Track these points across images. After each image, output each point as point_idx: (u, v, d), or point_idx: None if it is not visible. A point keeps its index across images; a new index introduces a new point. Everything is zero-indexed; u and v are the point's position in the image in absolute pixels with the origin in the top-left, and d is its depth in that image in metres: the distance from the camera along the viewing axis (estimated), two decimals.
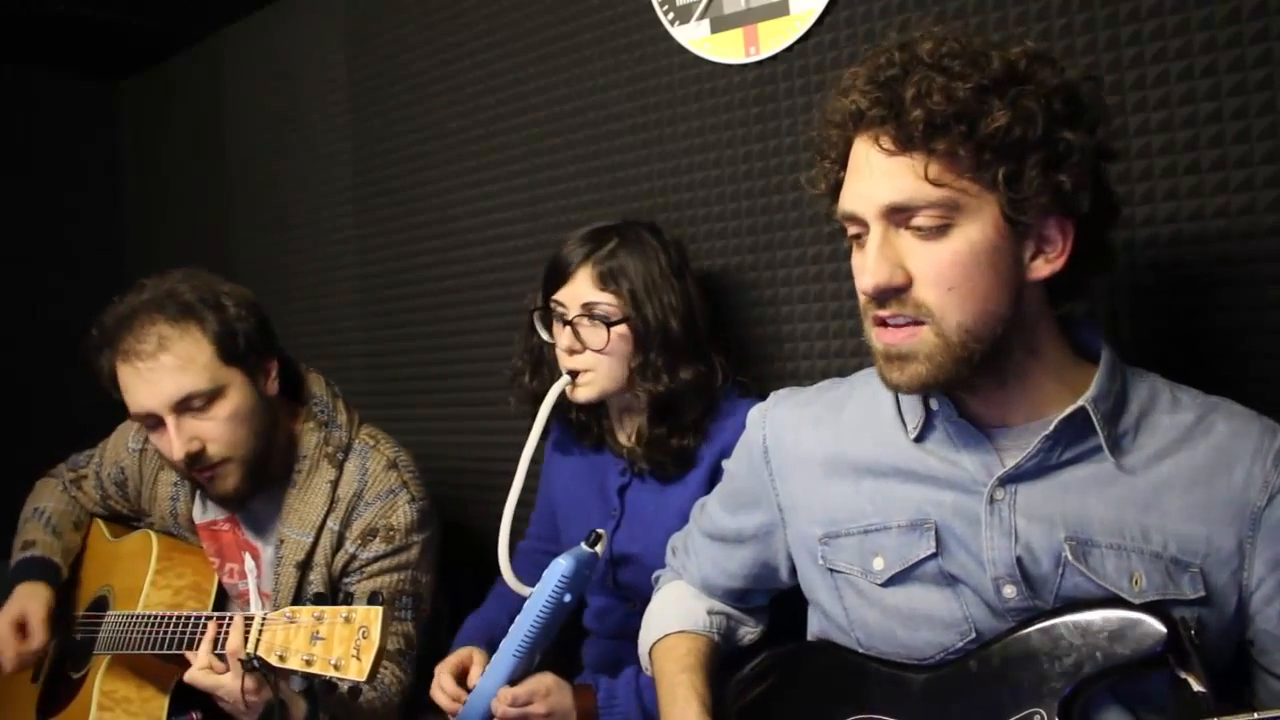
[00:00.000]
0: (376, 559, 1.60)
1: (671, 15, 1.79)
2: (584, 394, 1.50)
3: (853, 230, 1.02)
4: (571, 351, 1.49)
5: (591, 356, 1.48)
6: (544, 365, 1.59)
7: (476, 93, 2.18)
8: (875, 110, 0.96)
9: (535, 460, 1.53)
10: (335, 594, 1.61)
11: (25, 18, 2.70)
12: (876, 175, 0.97)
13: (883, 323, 1.00)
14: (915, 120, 0.93)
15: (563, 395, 1.50)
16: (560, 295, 1.51)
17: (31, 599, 1.65)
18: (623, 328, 1.47)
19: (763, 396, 1.52)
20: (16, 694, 1.75)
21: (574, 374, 1.50)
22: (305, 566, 1.60)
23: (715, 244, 1.77)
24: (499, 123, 2.13)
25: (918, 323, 0.98)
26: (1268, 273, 1.23)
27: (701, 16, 1.75)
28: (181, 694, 1.59)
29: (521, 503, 1.49)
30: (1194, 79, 1.27)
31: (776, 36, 1.66)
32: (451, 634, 1.66)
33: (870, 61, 1.00)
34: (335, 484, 1.61)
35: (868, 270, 0.97)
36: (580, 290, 1.48)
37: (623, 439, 1.59)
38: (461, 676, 1.47)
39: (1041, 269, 1.00)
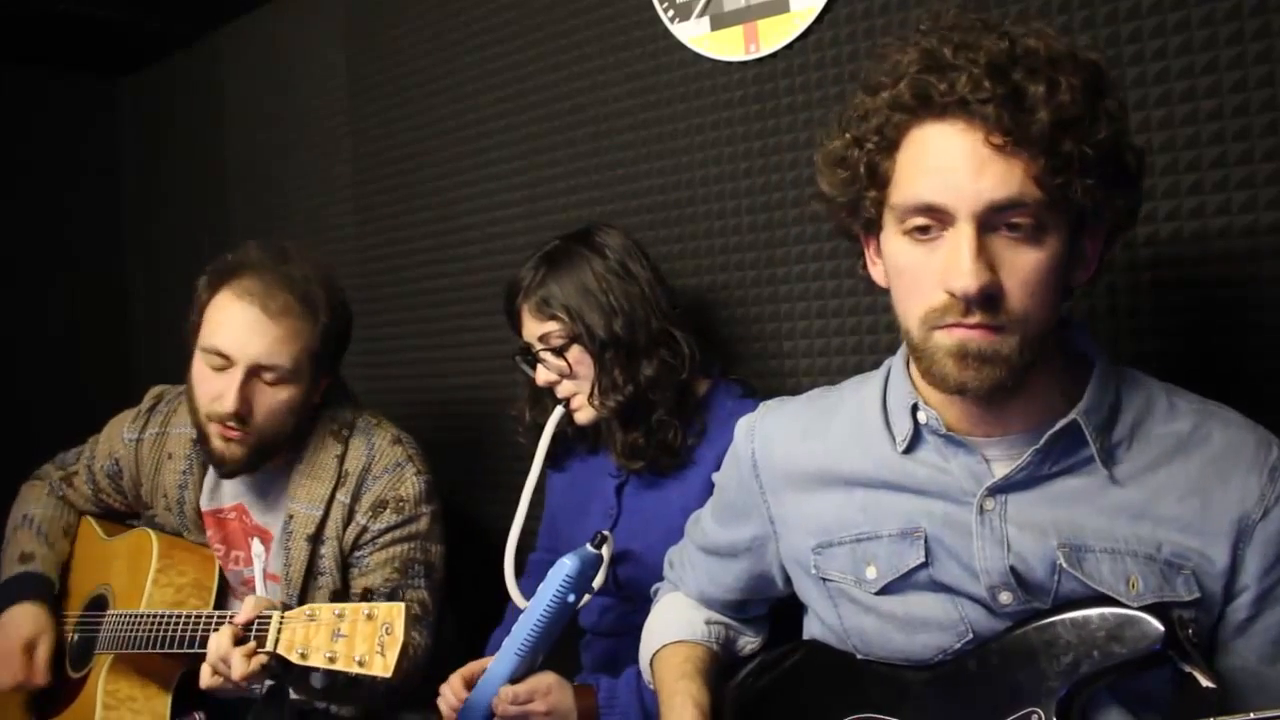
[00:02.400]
0: (387, 530, 1.62)
1: (671, 13, 1.79)
2: (582, 417, 1.56)
3: (918, 221, 0.93)
4: (551, 383, 1.55)
5: (570, 383, 1.54)
6: (543, 399, 1.64)
7: (476, 91, 2.18)
8: (986, 101, 0.88)
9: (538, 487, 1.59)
10: (346, 570, 1.63)
11: (25, 16, 2.70)
12: (979, 168, 0.89)
13: (961, 324, 0.92)
14: (1041, 118, 0.88)
15: (561, 424, 1.56)
16: (524, 336, 1.58)
17: (45, 631, 1.65)
18: (575, 348, 1.51)
19: (765, 396, 1.52)
20: (6, 695, 1.74)
21: (566, 402, 1.55)
22: (316, 540, 1.62)
23: (715, 242, 1.77)
24: (499, 121, 2.13)
25: (1002, 328, 0.92)
26: (1268, 271, 1.23)
27: (701, 14, 1.75)
28: (185, 693, 1.59)
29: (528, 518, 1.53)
30: (1194, 76, 1.27)
31: (777, 34, 1.66)
32: (454, 646, 1.67)
33: (940, 43, 0.92)
34: (341, 458, 1.65)
35: (967, 272, 0.89)
36: (530, 327, 1.55)
37: (615, 443, 1.60)
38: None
39: (1079, 279, 0.99)
